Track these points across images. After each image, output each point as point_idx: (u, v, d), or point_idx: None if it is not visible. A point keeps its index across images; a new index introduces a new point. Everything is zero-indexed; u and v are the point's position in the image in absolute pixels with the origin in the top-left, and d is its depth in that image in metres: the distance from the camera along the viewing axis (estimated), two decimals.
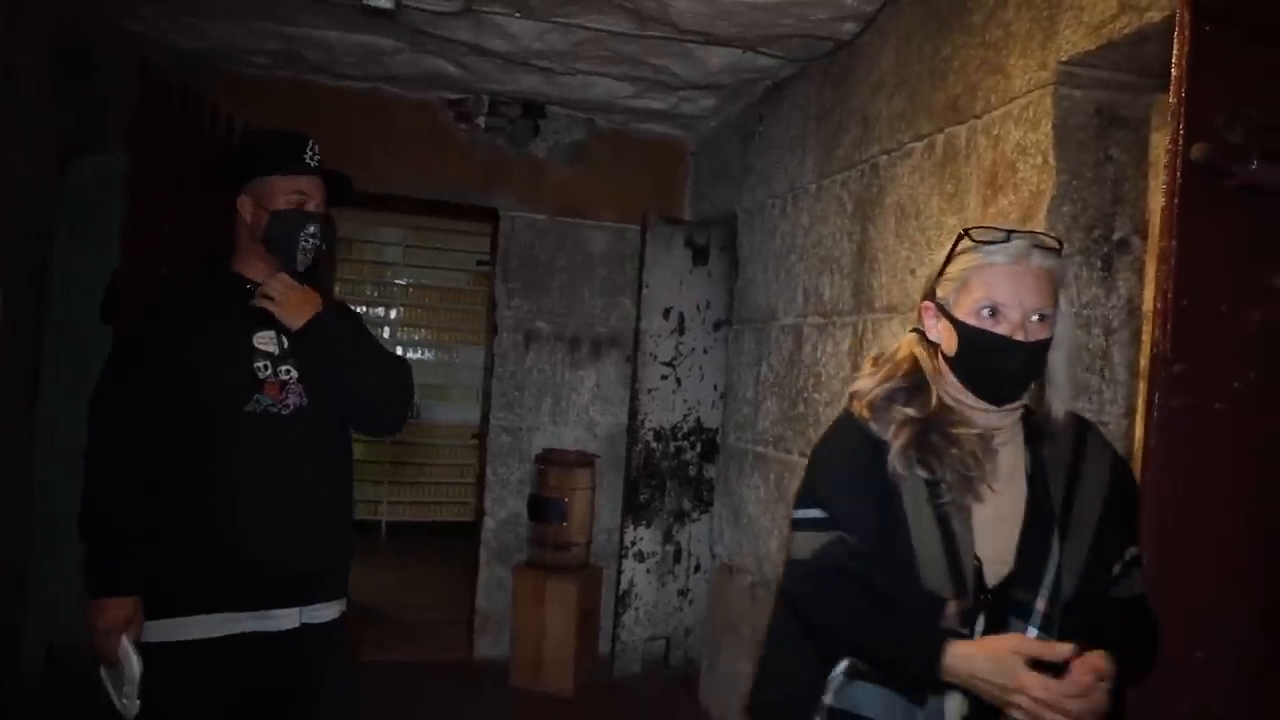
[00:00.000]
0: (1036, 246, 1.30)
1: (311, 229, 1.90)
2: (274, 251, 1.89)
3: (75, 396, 2.01)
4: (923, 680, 1.26)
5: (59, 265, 3.33)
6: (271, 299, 1.85)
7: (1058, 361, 1.34)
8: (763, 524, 3.51)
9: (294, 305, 1.85)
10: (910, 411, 1.33)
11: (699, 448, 4.23)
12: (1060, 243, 1.36)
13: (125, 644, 1.73)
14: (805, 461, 3.26)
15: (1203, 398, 1.33)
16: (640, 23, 3.17)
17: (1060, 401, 1.35)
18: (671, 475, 4.21)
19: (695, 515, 4.25)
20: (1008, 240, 1.30)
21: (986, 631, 1.27)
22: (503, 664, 4.18)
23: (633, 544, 4.16)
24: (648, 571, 4.19)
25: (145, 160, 2.96)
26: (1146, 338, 1.98)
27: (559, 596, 4.02)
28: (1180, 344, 1.29)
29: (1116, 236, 2.14)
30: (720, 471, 4.11)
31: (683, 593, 4.26)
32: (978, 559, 1.28)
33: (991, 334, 1.29)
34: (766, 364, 3.61)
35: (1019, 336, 1.28)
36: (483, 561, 4.41)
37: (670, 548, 4.23)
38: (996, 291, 1.29)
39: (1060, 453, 1.35)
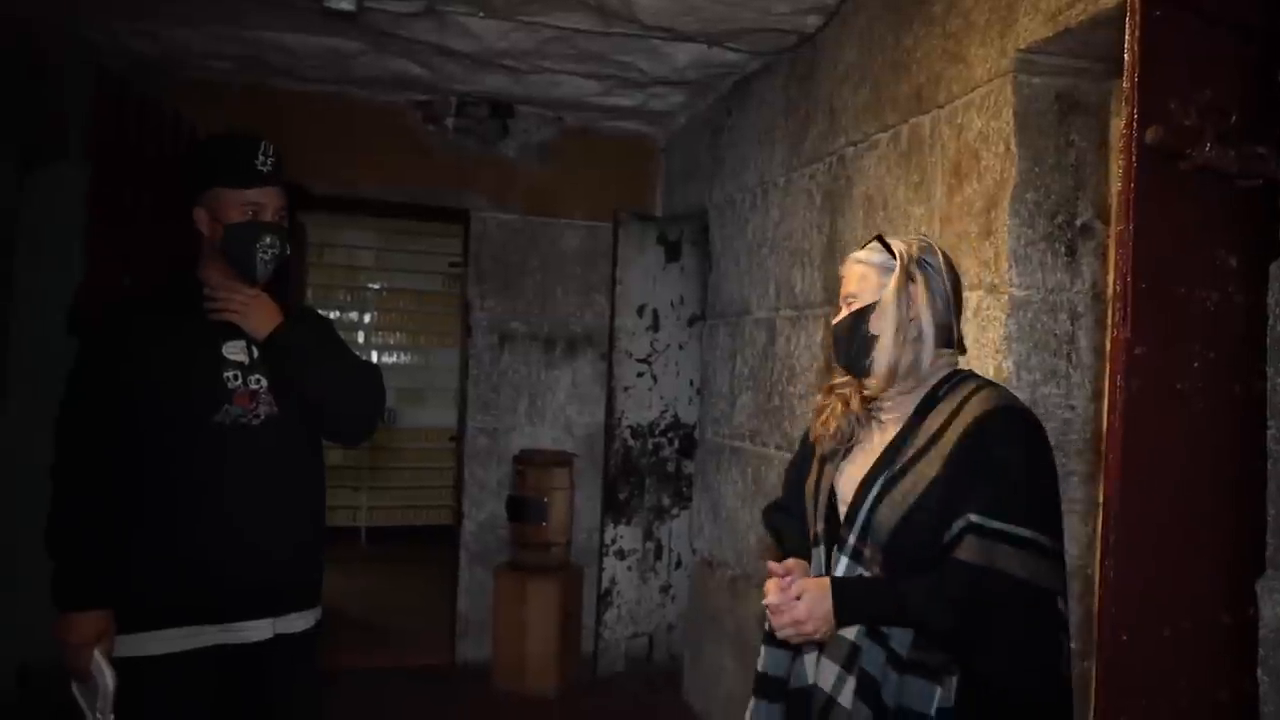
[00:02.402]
0: (861, 248, 1.58)
1: (268, 239, 1.85)
2: (233, 264, 1.87)
3: (41, 410, 1.98)
4: None
5: (21, 277, 3.28)
6: (235, 310, 1.83)
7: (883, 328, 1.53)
8: (742, 518, 3.52)
9: (257, 315, 1.84)
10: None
11: (677, 444, 4.23)
12: (880, 240, 1.57)
13: (98, 658, 1.71)
14: (783, 455, 3.29)
15: (1163, 379, 1.34)
16: (605, 20, 3.16)
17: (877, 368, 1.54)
18: (650, 472, 4.21)
19: (675, 511, 4.25)
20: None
21: (825, 556, 1.53)
22: (485, 667, 4.17)
23: (613, 542, 4.16)
24: (629, 569, 4.19)
25: (107, 170, 2.92)
26: (1110, 321, 2.01)
27: (540, 597, 4.02)
28: (1139, 326, 1.30)
29: (1079, 221, 2.16)
30: (698, 467, 4.12)
31: (664, 589, 4.26)
32: (832, 494, 1.55)
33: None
34: (741, 358, 3.62)
35: (834, 320, 1.59)
36: (463, 564, 4.39)
37: (651, 545, 4.23)
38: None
39: (936, 418, 1.47)
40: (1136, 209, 1.30)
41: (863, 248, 1.59)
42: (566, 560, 4.22)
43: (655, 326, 4.21)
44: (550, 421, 4.49)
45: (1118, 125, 2.12)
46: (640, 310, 4.19)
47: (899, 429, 1.51)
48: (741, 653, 3.43)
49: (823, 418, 1.58)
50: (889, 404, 1.54)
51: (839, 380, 1.60)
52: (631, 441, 4.17)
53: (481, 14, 3.17)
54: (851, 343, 1.54)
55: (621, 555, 4.18)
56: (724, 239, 3.86)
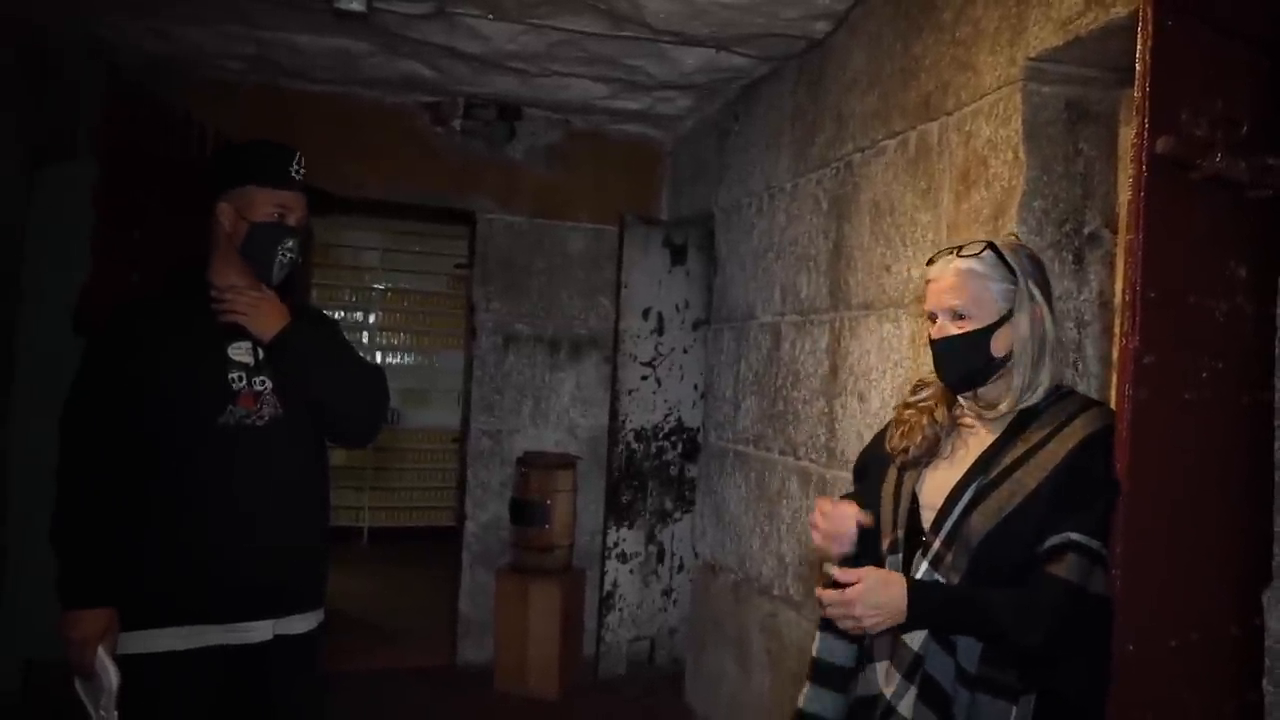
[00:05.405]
0: (958, 255, 1.48)
1: (290, 243, 1.89)
2: (250, 262, 1.88)
3: (47, 409, 1.98)
4: None
5: (28, 275, 3.28)
6: (241, 312, 1.83)
7: (1018, 352, 1.46)
8: (745, 523, 3.51)
9: (263, 316, 1.84)
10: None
11: (680, 447, 4.23)
12: (988, 244, 1.47)
13: (102, 656, 1.71)
14: (787, 460, 3.28)
15: (1172, 388, 1.34)
16: (614, 23, 3.17)
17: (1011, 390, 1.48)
18: (653, 475, 4.21)
19: (677, 515, 4.25)
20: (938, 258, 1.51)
21: (905, 559, 1.48)
22: (486, 668, 4.17)
23: (615, 545, 4.16)
24: (631, 572, 4.19)
25: (115, 169, 2.92)
26: (1118, 330, 2.01)
27: (542, 600, 4.01)
28: (1149, 335, 1.30)
29: (1087, 230, 2.16)
30: (702, 471, 4.12)
31: (666, 593, 4.26)
32: (915, 500, 1.51)
33: (931, 340, 1.50)
34: (745, 363, 3.62)
35: (936, 335, 1.49)
36: (465, 566, 4.39)
37: (653, 548, 4.23)
38: (929, 302, 1.51)
39: (1037, 431, 1.43)
40: (1146, 218, 1.30)
41: (972, 255, 1.47)
42: (569, 563, 4.22)
43: (660, 330, 4.21)
44: (554, 424, 4.49)
45: (1127, 134, 2.12)
46: (645, 314, 4.19)
47: (994, 439, 1.47)
48: (743, 657, 3.43)
49: (903, 430, 1.54)
50: (984, 419, 1.50)
51: (915, 397, 1.57)
52: (635, 445, 4.17)
53: (491, 16, 3.18)
54: (972, 363, 1.46)
55: (624, 558, 4.18)
56: (729, 243, 3.86)
